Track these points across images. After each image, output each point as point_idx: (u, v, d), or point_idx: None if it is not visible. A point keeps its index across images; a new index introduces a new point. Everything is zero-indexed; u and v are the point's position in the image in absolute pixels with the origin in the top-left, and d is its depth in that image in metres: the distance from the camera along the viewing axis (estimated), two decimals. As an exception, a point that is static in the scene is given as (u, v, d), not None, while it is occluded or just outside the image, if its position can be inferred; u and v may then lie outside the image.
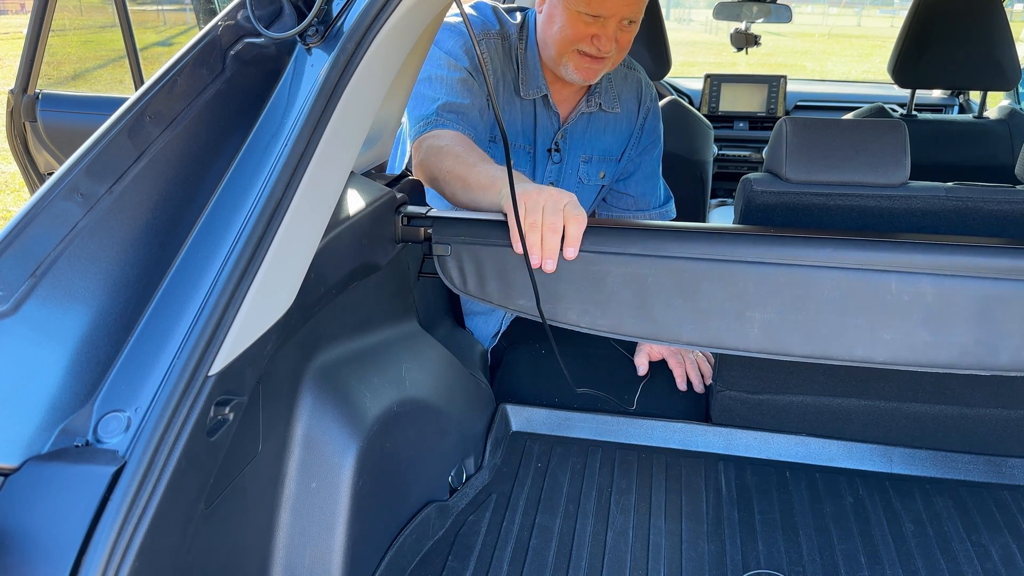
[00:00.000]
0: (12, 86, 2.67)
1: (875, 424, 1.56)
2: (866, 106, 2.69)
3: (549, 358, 1.70)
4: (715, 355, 1.66)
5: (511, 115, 1.71)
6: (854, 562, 1.30)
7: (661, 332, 1.31)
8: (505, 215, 1.25)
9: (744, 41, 3.20)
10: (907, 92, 2.71)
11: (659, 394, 1.73)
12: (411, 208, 1.35)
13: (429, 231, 1.32)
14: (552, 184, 1.73)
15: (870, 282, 1.23)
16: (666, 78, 3.08)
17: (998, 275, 1.21)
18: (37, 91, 2.67)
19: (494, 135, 1.68)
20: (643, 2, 1.52)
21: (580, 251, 1.23)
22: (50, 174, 0.83)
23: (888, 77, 2.61)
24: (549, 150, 1.76)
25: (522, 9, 1.77)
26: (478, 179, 1.35)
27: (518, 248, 1.22)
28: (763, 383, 1.58)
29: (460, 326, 1.84)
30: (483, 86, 1.62)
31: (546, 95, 1.70)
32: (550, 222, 1.20)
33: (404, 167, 1.68)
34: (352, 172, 1.17)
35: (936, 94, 3.44)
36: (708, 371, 1.73)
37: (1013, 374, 1.25)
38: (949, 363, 1.25)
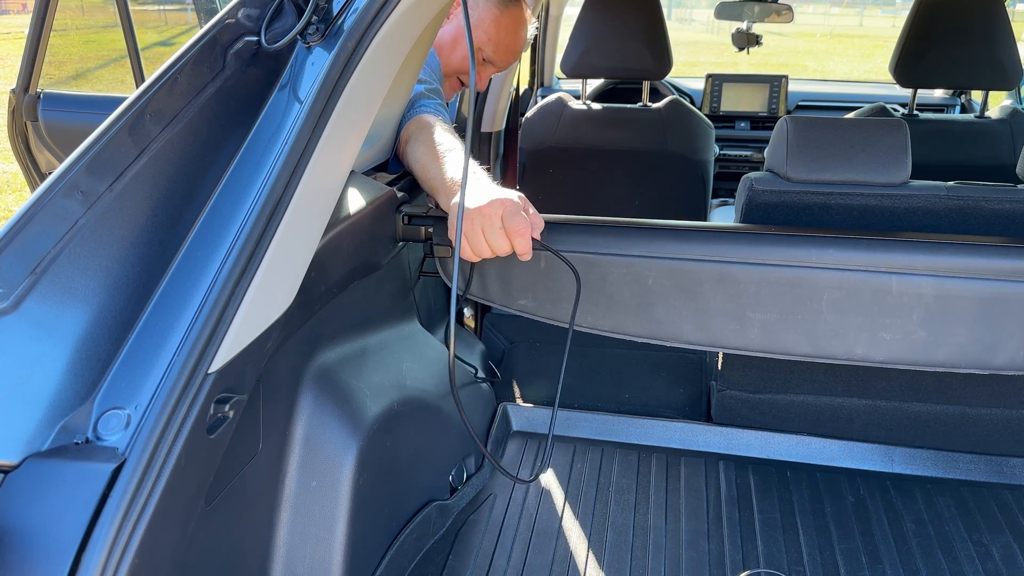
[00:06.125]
0: (14, 85, 2.67)
1: (876, 424, 1.56)
2: (867, 106, 2.68)
3: (549, 358, 1.70)
4: (717, 355, 1.66)
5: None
6: (855, 562, 1.30)
7: (662, 332, 1.31)
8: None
9: (746, 41, 3.19)
10: (909, 92, 2.70)
11: (659, 394, 1.73)
12: (412, 207, 1.35)
13: (430, 230, 1.32)
14: None
15: (871, 282, 1.23)
16: (667, 78, 3.08)
17: (999, 275, 1.20)
18: (39, 90, 2.67)
19: (457, 123, 1.80)
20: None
21: (582, 252, 1.24)
22: (51, 174, 0.83)
23: (890, 77, 2.60)
24: None
25: None
26: (430, 181, 1.34)
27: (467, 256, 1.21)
28: (764, 382, 1.58)
29: (461, 325, 1.84)
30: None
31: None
32: (496, 245, 1.18)
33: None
34: (352, 171, 1.17)
35: (938, 94, 3.43)
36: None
37: (1009, 373, 1.25)
38: (947, 362, 1.25)
